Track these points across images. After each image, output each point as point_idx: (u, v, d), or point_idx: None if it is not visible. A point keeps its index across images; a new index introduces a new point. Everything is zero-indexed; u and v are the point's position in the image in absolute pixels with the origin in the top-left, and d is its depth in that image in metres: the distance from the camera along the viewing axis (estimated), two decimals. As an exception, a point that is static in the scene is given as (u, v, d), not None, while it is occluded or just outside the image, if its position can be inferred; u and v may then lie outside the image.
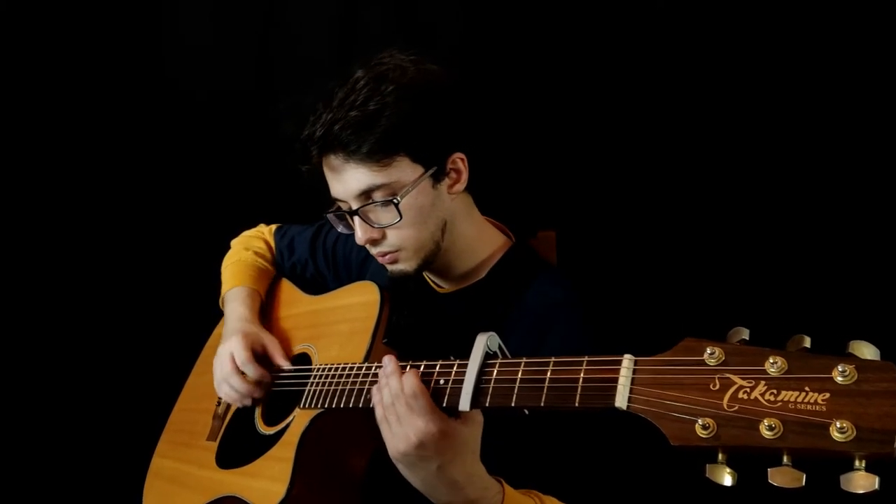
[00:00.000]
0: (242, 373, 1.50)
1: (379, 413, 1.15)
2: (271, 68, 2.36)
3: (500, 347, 1.10)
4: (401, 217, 1.34)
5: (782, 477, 0.77)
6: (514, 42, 2.09)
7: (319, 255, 1.76)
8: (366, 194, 1.34)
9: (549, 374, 0.99)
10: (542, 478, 1.24)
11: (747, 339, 0.85)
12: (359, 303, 1.44)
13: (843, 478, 0.74)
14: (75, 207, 2.43)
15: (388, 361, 1.17)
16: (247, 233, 1.90)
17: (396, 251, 1.40)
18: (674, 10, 1.94)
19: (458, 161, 1.40)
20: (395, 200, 1.33)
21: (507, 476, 1.19)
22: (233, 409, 1.61)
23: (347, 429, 1.33)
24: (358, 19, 2.24)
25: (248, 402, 1.51)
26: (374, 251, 1.42)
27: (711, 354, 0.84)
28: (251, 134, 2.32)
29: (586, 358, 0.96)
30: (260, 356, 1.53)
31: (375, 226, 1.37)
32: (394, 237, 1.38)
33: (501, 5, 2.10)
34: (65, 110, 2.38)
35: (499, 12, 2.10)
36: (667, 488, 1.53)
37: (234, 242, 1.88)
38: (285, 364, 1.50)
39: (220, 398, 1.62)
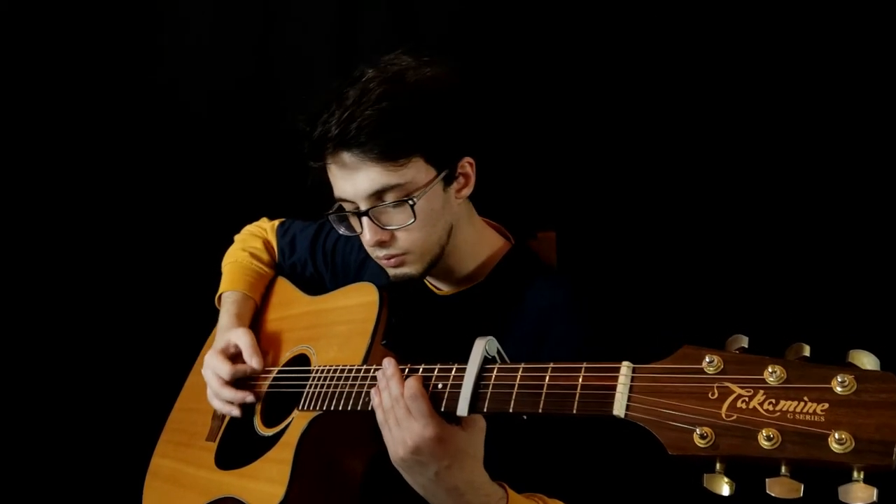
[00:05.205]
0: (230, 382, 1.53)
1: (380, 417, 1.15)
2: (271, 68, 2.36)
3: (498, 352, 1.09)
4: (415, 218, 1.32)
5: (780, 487, 0.76)
6: (513, 43, 2.09)
7: (319, 255, 1.76)
8: (377, 195, 1.33)
9: (547, 379, 0.99)
10: (548, 481, 1.24)
11: (746, 346, 0.84)
12: (357, 304, 1.43)
13: (841, 489, 0.73)
14: (75, 207, 2.43)
15: (388, 364, 1.16)
16: (248, 228, 1.88)
17: (403, 254, 1.38)
18: (674, 10, 1.93)
19: (468, 165, 1.39)
20: (410, 202, 1.31)
21: (511, 480, 1.18)
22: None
23: (346, 431, 1.33)
24: (358, 20, 2.24)
25: (235, 412, 1.52)
26: (379, 253, 1.40)
27: (710, 363, 0.83)
28: (250, 135, 2.33)
29: (584, 364, 0.96)
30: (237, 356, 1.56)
31: (386, 227, 1.35)
32: (403, 240, 1.36)
33: (500, 6, 2.10)
34: (64, 110, 2.38)
35: (497, 12, 2.10)
36: (673, 493, 1.53)
37: (236, 238, 1.87)
38: (257, 365, 1.51)
39: None
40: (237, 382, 1.53)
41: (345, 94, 1.32)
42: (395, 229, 1.35)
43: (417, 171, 1.32)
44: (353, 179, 1.33)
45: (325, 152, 1.34)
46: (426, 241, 1.37)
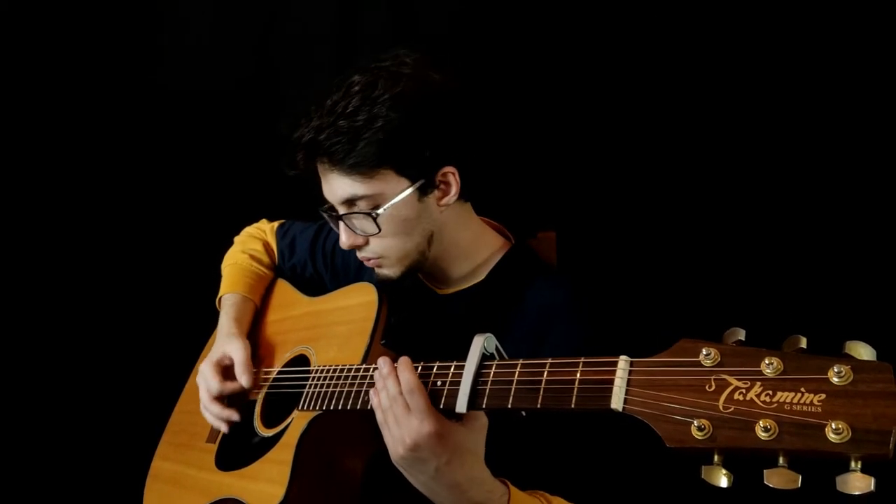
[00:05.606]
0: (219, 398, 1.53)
1: (379, 417, 1.15)
2: (271, 68, 2.37)
3: (497, 349, 1.10)
4: (379, 230, 1.35)
5: (778, 478, 0.76)
6: (512, 41, 2.09)
7: (318, 256, 1.76)
8: (349, 202, 1.36)
9: (545, 375, 0.99)
10: (549, 478, 1.24)
11: (743, 339, 0.85)
12: (357, 304, 1.44)
13: (838, 479, 0.74)
14: (75, 208, 2.43)
15: (384, 364, 1.16)
16: (248, 230, 1.89)
17: (379, 258, 1.41)
18: (674, 10, 1.93)
19: (449, 175, 1.38)
20: (373, 214, 1.34)
21: (512, 477, 1.18)
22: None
23: (346, 431, 1.33)
24: (358, 20, 2.25)
25: (224, 428, 1.52)
26: (358, 255, 1.44)
27: (707, 355, 0.84)
28: (250, 135, 2.33)
29: (582, 359, 0.96)
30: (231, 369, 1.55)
31: (358, 232, 1.38)
32: (376, 245, 1.40)
33: (500, 5, 2.10)
34: (64, 110, 2.38)
35: (498, 12, 2.10)
36: (675, 488, 1.52)
37: (236, 240, 1.88)
38: (246, 383, 1.50)
39: None
40: (228, 398, 1.53)
41: (325, 100, 1.35)
42: (366, 235, 1.38)
43: (387, 183, 1.34)
44: (328, 185, 1.38)
45: (297, 158, 1.38)
46: (400, 248, 1.40)
